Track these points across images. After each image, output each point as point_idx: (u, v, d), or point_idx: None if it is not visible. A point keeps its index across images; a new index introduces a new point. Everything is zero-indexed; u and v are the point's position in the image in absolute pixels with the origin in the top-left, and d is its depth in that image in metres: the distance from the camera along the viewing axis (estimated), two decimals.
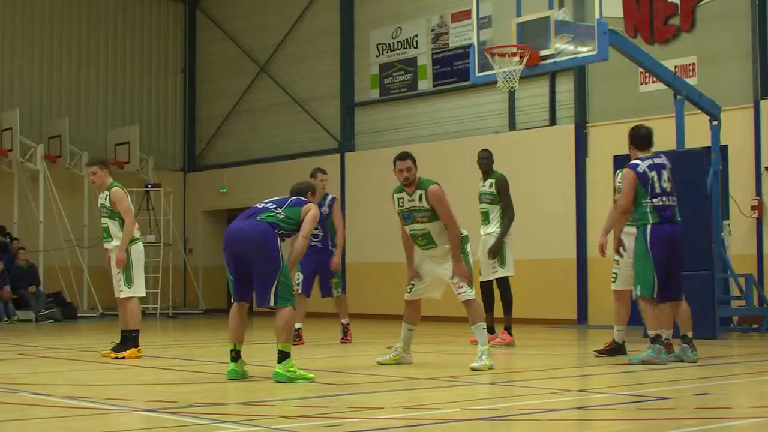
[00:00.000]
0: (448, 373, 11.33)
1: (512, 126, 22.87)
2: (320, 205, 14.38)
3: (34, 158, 26.37)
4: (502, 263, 15.27)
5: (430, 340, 16.87)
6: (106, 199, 13.60)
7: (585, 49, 16.40)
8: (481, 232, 15.35)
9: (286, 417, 7.88)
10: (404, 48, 25.15)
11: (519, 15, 16.88)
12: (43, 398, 9.10)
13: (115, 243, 13.53)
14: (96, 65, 29.19)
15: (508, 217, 15.27)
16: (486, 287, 15.41)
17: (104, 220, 13.65)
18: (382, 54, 25.65)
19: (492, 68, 17.01)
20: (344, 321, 16.00)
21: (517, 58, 16.67)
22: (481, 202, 15.47)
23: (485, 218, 15.43)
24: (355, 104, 26.31)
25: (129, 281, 13.25)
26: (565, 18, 16.60)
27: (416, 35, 24.88)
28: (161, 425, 7.61)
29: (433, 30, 24.52)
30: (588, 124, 21.48)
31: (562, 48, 16.66)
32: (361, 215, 24.80)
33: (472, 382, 10.59)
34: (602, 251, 12.79)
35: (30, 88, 27.95)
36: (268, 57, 28.58)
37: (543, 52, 16.65)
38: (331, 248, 15.71)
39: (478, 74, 17.50)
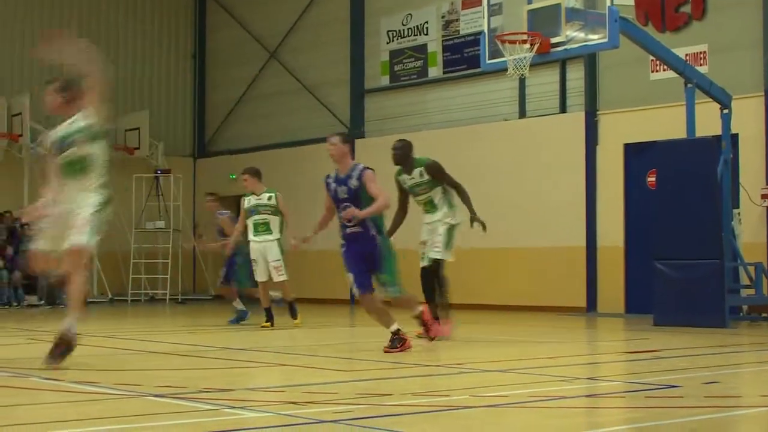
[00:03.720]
0: (456, 360, 11.33)
1: (522, 113, 22.84)
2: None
3: (44, 144, 26.33)
4: (448, 245, 13.98)
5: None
6: (269, 199, 16.22)
7: (596, 36, 16.37)
8: (427, 221, 14.11)
9: (294, 403, 7.88)
10: (414, 35, 25.11)
11: (530, 2, 16.88)
12: (53, 383, 9.11)
13: (275, 236, 16.26)
14: (106, 50, 29.15)
15: (463, 193, 14.17)
16: (429, 273, 14.13)
17: (266, 216, 15.92)
18: (393, 41, 25.62)
19: (502, 55, 16.99)
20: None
21: (527, 46, 16.65)
22: (417, 195, 14.11)
23: (431, 207, 14.05)
24: (365, 91, 26.28)
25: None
26: (576, 5, 16.57)
27: (426, 22, 24.84)
28: (170, 410, 7.61)
29: (443, 17, 24.48)
30: (598, 112, 21.44)
31: (572, 35, 16.64)
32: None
33: (480, 369, 10.59)
34: None
35: (39, 73, 27.91)
36: (278, 43, 28.56)
37: (554, 40, 16.62)
38: None
39: (488, 61, 17.49)
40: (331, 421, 7.03)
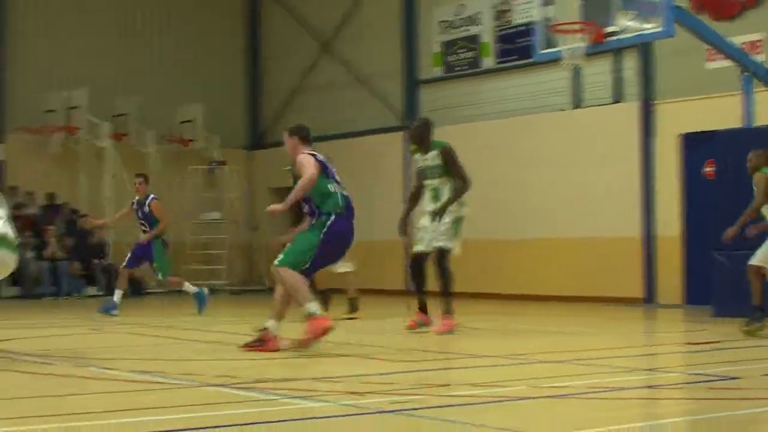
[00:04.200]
0: (512, 351, 11.32)
1: (576, 104, 22.73)
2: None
3: (100, 136, 26.59)
4: (454, 236, 13.41)
5: (491, 318, 16.88)
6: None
7: (650, 25, 16.27)
8: (429, 208, 13.53)
9: (353, 393, 7.91)
10: (467, 25, 25.06)
11: None
12: (110, 372, 9.21)
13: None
14: (162, 42, 29.35)
15: (461, 189, 13.45)
16: (421, 260, 13.65)
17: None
18: (445, 31, 25.58)
19: (556, 45, 16.93)
20: None
21: (581, 35, 16.58)
22: (426, 178, 13.67)
23: (435, 195, 13.54)
24: (418, 81, 26.27)
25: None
26: None
27: (479, 12, 24.78)
28: (227, 400, 7.67)
29: (496, 7, 24.40)
30: (654, 102, 21.30)
31: (626, 24, 16.54)
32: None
33: (537, 360, 10.58)
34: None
35: (98, 66, 28.14)
36: (331, 34, 28.59)
37: (607, 29, 16.54)
38: None
39: (542, 51, 17.43)
40: (391, 411, 7.06)
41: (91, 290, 24.73)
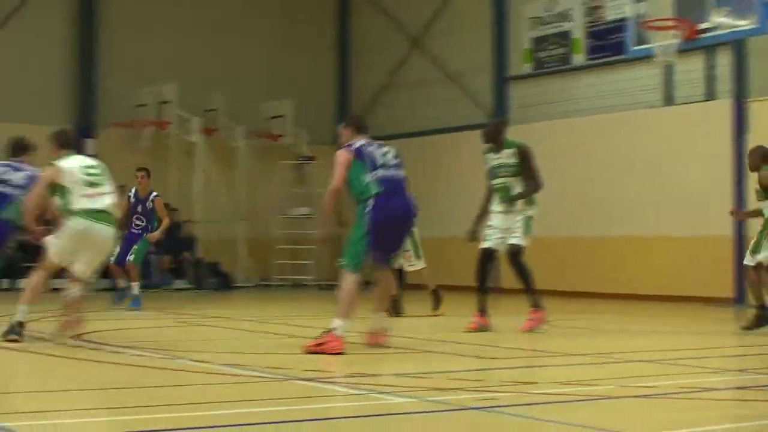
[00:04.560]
0: (600, 350, 11.24)
1: (668, 101, 22.50)
2: None
3: (190, 131, 26.85)
4: (526, 233, 13.30)
5: (580, 316, 16.78)
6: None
7: (744, 21, 16.06)
8: (499, 209, 13.40)
9: (440, 389, 7.92)
10: (558, 21, 24.92)
11: None
12: (202, 365, 9.30)
13: None
14: (251, 38, 29.53)
15: (533, 187, 13.29)
16: (485, 258, 13.52)
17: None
18: (536, 28, 25.46)
19: (648, 42, 16.78)
20: None
21: (674, 32, 16.42)
22: (496, 177, 13.46)
23: (504, 194, 13.34)
24: (508, 78, 26.17)
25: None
26: None
27: (570, 9, 24.61)
28: (317, 394, 7.72)
29: (587, 3, 24.22)
30: (747, 99, 21.00)
31: (720, 21, 16.34)
32: None
33: (626, 359, 10.50)
34: None
35: (188, 61, 28.42)
36: (421, 30, 28.59)
37: (701, 26, 16.36)
38: None
39: (634, 48, 17.28)
40: (478, 408, 7.05)
41: (180, 283, 25.00)
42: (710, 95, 21.73)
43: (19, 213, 11.98)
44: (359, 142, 11.05)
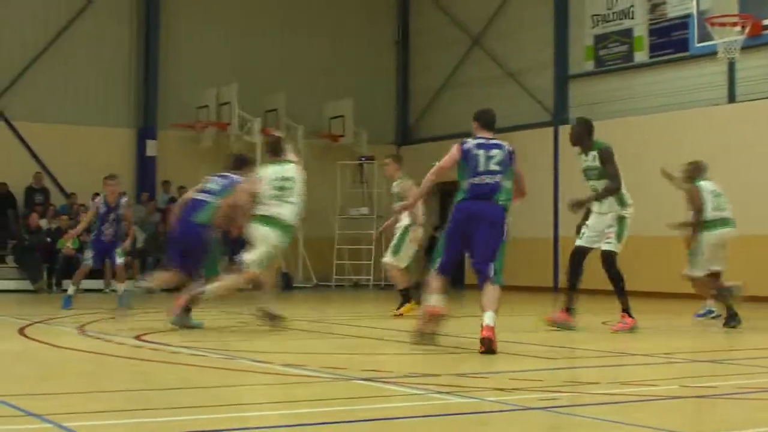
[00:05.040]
0: (662, 350, 11.12)
1: (731, 98, 22.25)
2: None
3: (251, 132, 26.93)
4: (620, 237, 13.22)
5: (645, 316, 16.60)
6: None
7: None
8: (595, 209, 13.42)
9: (500, 389, 7.86)
10: (620, 19, 24.74)
11: None
12: (262, 365, 9.30)
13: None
14: (310, 38, 29.60)
15: (611, 189, 13.15)
16: (576, 255, 13.45)
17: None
18: (597, 25, 25.29)
19: (712, 38, 16.62)
20: None
21: (738, 28, 16.25)
22: (588, 179, 13.51)
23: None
24: (569, 76, 26.03)
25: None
26: None
27: (632, 6, 24.43)
28: (378, 394, 7.69)
29: (650, 0, 24.03)
30: None
31: None
32: (574, 188, 24.45)
33: (689, 359, 10.40)
34: None
35: (248, 62, 28.53)
36: (481, 28, 28.50)
37: (766, 22, 16.17)
38: None
39: (697, 45, 17.13)
40: (538, 408, 6.99)
41: None
42: None
43: (210, 216, 13.33)
44: (473, 140, 11.28)
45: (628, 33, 24.56)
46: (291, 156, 13.53)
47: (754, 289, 20.82)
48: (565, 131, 25.35)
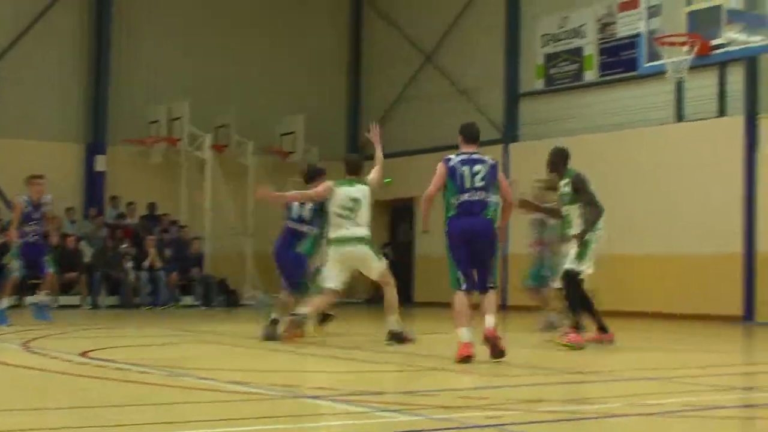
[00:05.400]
0: (608, 367, 11.17)
1: (679, 117, 22.42)
2: None
3: (202, 147, 26.83)
4: (581, 257, 13.34)
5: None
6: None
7: (757, 38, 16.00)
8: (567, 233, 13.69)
9: (447, 407, 7.85)
10: (570, 38, 24.88)
11: (689, 3, 16.55)
12: (208, 383, 9.25)
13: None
14: (263, 55, 29.55)
15: (593, 214, 13.39)
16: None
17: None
18: (548, 44, 25.43)
19: (660, 58, 16.72)
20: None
21: (686, 48, 16.36)
22: (563, 204, 13.75)
23: (567, 222, 13.66)
24: (519, 94, 26.13)
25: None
26: (737, 6, 16.21)
27: (583, 25, 24.58)
28: (325, 412, 7.66)
29: (600, 19, 24.19)
30: (759, 116, 20.90)
31: (733, 37, 16.28)
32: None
33: (634, 377, 10.43)
34: None
35: (199, 78, 28.44)
36: (433, 46, 28.57)
37: (713, 42, 16.29)
38: None
39: (646, 64, 17.23)
40: (484, 426, 6.99)
41: (188, 300, 24.95)
42: (722, 112, 21.65)
43: (312, 247, 14.19)
44: (457, 156, 11.71)
45: (578, 52, 24.70)
46: (368, 175, 14.27)
47: (704, 307, 20.99)
48: (515, 149, 25.54)
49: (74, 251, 23.91)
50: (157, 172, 27.18)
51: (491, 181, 11.46)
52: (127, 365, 10.54)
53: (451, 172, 11.43)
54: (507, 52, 26.35)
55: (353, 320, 18.73)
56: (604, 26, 24.07)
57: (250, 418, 7.34)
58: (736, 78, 21.37)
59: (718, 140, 21.40)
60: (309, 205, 14.45)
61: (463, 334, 10.95)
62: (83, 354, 11.51)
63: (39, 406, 7.92)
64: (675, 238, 21.83)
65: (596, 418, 7.51)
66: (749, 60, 20.56)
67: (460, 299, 11.16)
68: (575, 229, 13.36)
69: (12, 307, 17.44)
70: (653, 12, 18.12)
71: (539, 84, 25.66)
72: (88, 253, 24.54)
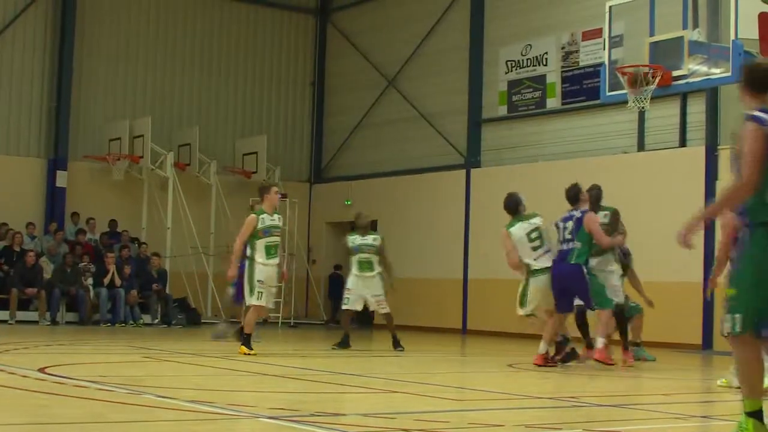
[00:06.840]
0: (568, 393, 11.22)
1: (641, 146, 22.60)
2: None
3: (164, 165, 26.79)
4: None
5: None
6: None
7: (719, 70, 16.19)
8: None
9: (406, 430, 7.87)
10: (533, 65, 25.04)
11: (652, 34, 16.73)
12: (167, 401, 9.22)
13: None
14: (226, 75, 29.61)
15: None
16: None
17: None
18: (511, 71, 25.58)
19: (622, 87, 16.87)
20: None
21: (648, 78, 16.52)
22: None
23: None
24: (482, 120, 26.25)
25: None
26: (699, 38, 16.41)
27: (546, 53, 24.75)
28: None
29: (563, 48, 24.37)
30: (719, 147, 21.09)
31: (695, 69, 16.48)
32: (485, 231, 24.66)
33: (593, 403, 10.48)
34: None
35: (162, 96, 28.45)
36: (396, 71, 28.68)
37: (675, 73, 16.46)
38: None
39: (608, 93, 17.37)
40: None
41: (147, 318, 24.84)
42: (683, 142, 21.83)
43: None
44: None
45: (541, 79, 24.86)
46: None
47: (663, 335, 21.11)
48: (476, 174, 25.65)
49: (34, 267, 23.79)
50: (118, 189, 27.10)
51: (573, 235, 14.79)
52: (87, 382, 10.48)
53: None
54: (470, 78, 26.47)
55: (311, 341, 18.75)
56: (567, 54, 24.25)
57: None
58: (697, 108, 21.57)
59: (679, 170, 21.57)
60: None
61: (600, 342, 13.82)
62: (41, 370, 11.45)
63: None
64: (636, 266, 21.92)
65: None
66: (710, 91, 20.76)
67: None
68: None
69: None
70: (616, 42, 18.32)
71: (502, 110, 25.79)
72: (47, 269, 24.41)
